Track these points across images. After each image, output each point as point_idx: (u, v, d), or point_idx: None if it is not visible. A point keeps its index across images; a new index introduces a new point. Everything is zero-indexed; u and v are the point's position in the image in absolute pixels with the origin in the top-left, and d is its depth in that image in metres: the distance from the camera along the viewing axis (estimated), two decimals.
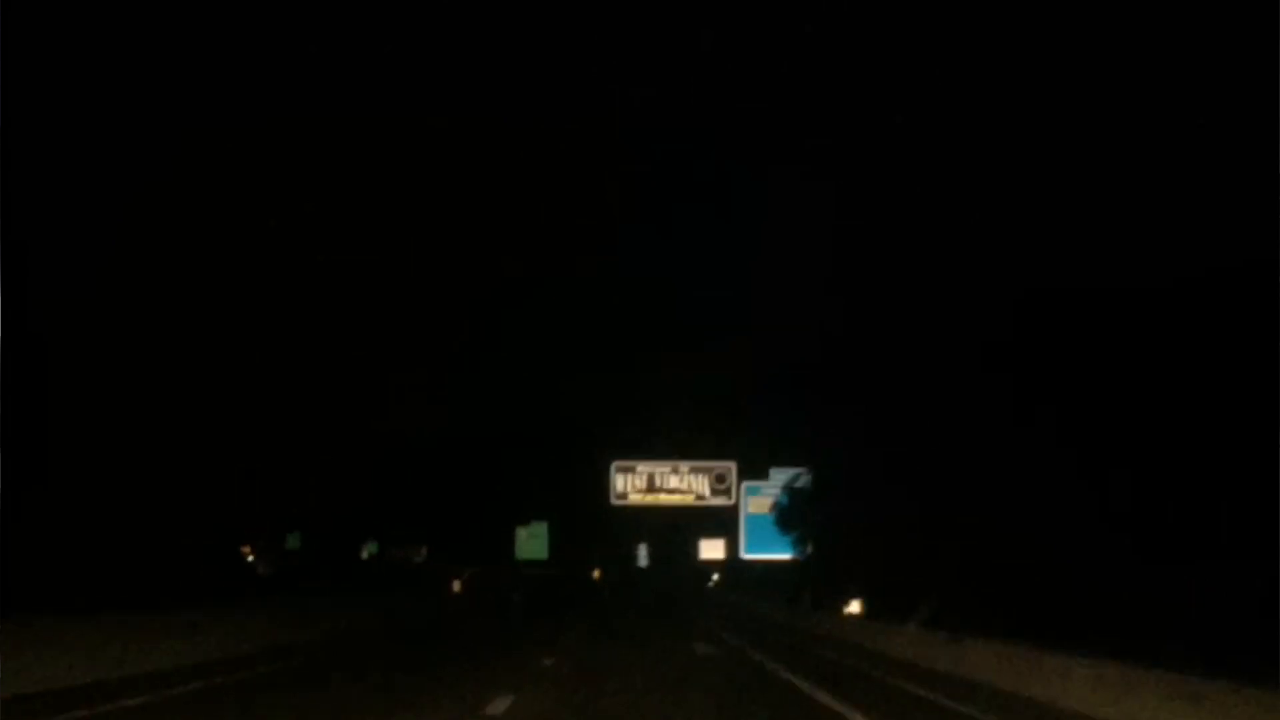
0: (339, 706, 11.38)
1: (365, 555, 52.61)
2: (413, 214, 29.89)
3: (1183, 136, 18.72)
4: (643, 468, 56.27)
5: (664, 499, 56.16)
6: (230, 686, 12.85)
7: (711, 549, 58.54)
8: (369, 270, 29.98)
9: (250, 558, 41.97)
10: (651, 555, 66.99)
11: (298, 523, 43.50)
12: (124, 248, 22.77)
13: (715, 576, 60.24)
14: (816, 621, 26.66)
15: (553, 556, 61.16)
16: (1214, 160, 18.42)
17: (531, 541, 61.84)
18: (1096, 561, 18.24)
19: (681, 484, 55.68)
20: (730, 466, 54.27)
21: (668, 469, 56.01)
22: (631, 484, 56.28)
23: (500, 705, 10.94)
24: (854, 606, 27.00)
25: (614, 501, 56.43)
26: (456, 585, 43.67)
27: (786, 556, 43.26)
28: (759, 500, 50.19)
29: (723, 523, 55.69)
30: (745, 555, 52.21)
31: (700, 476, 55.34)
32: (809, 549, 39.91)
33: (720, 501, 54.68)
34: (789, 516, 41.31)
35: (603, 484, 56.19)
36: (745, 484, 53.00)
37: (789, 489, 41.81)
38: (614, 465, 56.24)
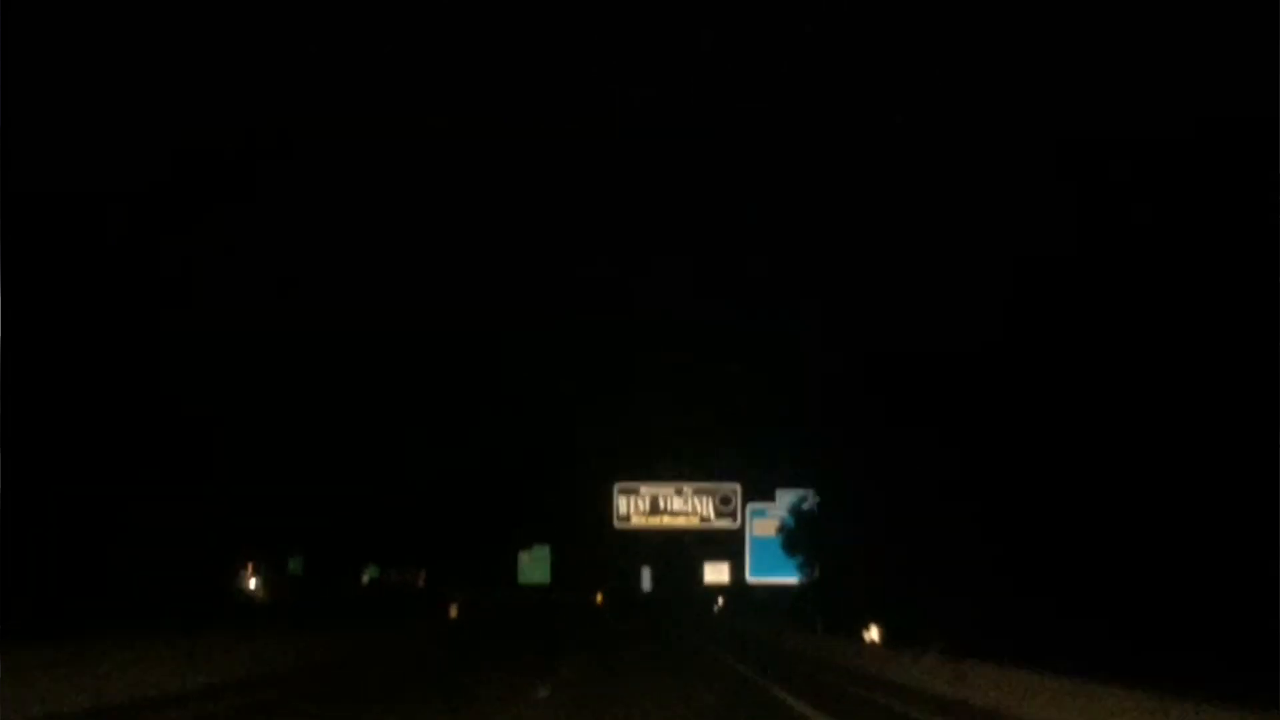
0: None
1: (366, 579, 52.06)
2: (413, 218, 29.67)
3: (1182, 137, 18.61)
4: (646, 490, 55.74)
5: (667, 521, 55.58)
6: None
7: (716, 573, 57.83)
8: (371, 287, 29.67)
9: (252, 580, 41.54)
10: (655, 579, 66.21)
11: (300, 547, 43.02)
12: (124, 250, 22.45)
13: (720, 601, 59.59)
14: (833, 649, 25.32)
15: (555, 581, 60.53)
16: (1213, 160, 18.30)
17: (534, 566, 61.21)
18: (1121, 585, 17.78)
19: (685, 506, 55.12)
20: (735, 488, 53.71)
21: (671, 491, 55.47)
22: (634, 506, 55.74)
23: None
24: (872, 633, 26.20)
25: (617, 524, 55.87)
26: (453, 610, 43.38)
27: (793, 580, 42.71)
28: (764, 523, 49.64)
29: (727, 546, 55.07)
30: (751, 579, 51.56)
31: (704, 498, 54.79)
32: (815, 573, 39.38)
33: (725, 524, 54.10)
34: (796, 539, 40.79)
35: (605, 506, 55.65)
36: (750, 506, 52.37)
37: (796, 511, 41.30)
38: (616, 487, 55.71)
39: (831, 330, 30.56)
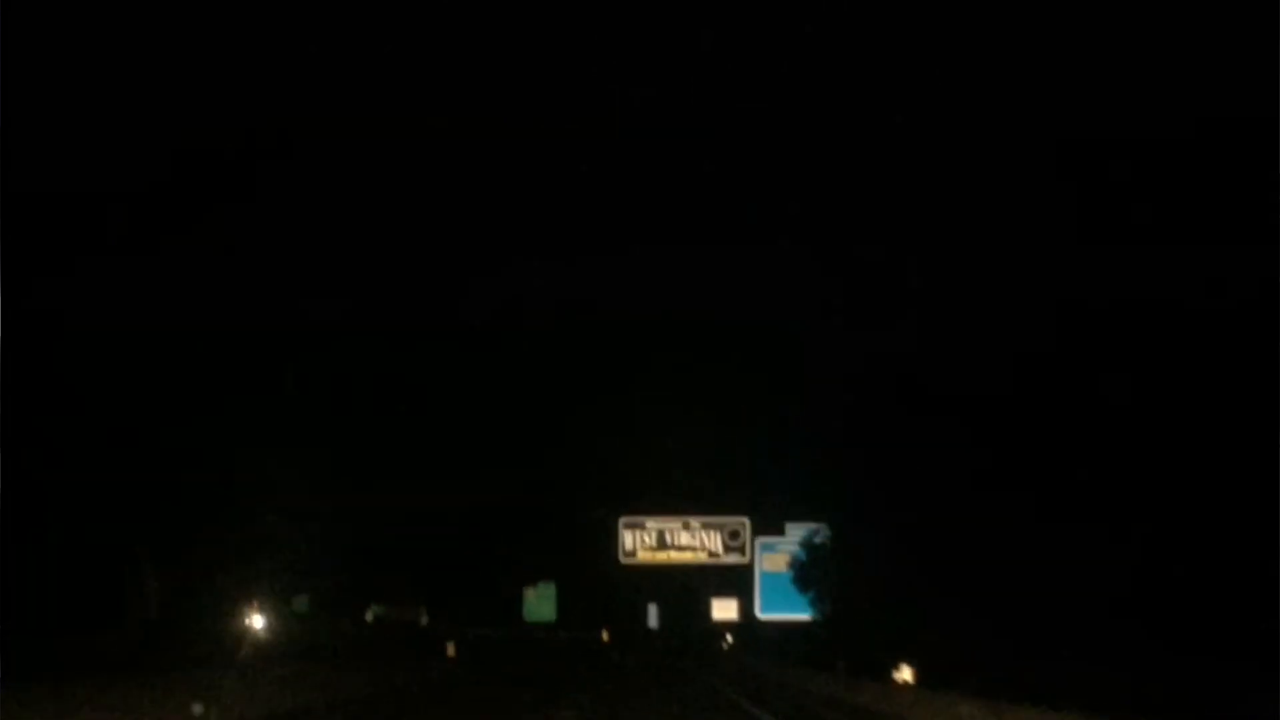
0: None
1: (370, 618, 51.30)
2: (413, 218, 29.34)
3: (1182, 137, 18.51)
4: (652, 524, 54.93)
5: (675, 556, 54.71)
6: None
7: (724, 609, 56.97)
8: (371, 287, 29.31)
9: (257, 617, 40.83)
10: (662, 615, 65.37)
11: (307, 584, 42.37)
12: (124, 255, 22.09)
13: (729, 638, 58.79)
14: (862, 692, 22.96)
15: (561, 617, 59.68)
16: (1213, 158, 18.21)
17: (540, 603, 60.31)
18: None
19: (693, 541, 54.30)
20: (744, 522, 52.88)
21: (678, 525, 54.63)
22: (641, 541, 54.95)
23: None
24: (904, 673, 25.33)
25: (623, 560, 55.03)
26: (450, 649, 42.67)
27: (805, 617, 41.98)
28: (774, 558, 49.00)
29: (735, 582, 54.24)
30: (762, 615, 50.72)
31: (712, 533, 53.97)
32: (828, 608, 38.69)
33: (734, 559, 53.21)
34: (809, 574, 40.18)
35: (611, 542, 54.84)
36: (760, 540, 51.53)
37: (808, 545, 40.73)
38: (622, 521, 54.90)
39: (839, 341, 30.23)
